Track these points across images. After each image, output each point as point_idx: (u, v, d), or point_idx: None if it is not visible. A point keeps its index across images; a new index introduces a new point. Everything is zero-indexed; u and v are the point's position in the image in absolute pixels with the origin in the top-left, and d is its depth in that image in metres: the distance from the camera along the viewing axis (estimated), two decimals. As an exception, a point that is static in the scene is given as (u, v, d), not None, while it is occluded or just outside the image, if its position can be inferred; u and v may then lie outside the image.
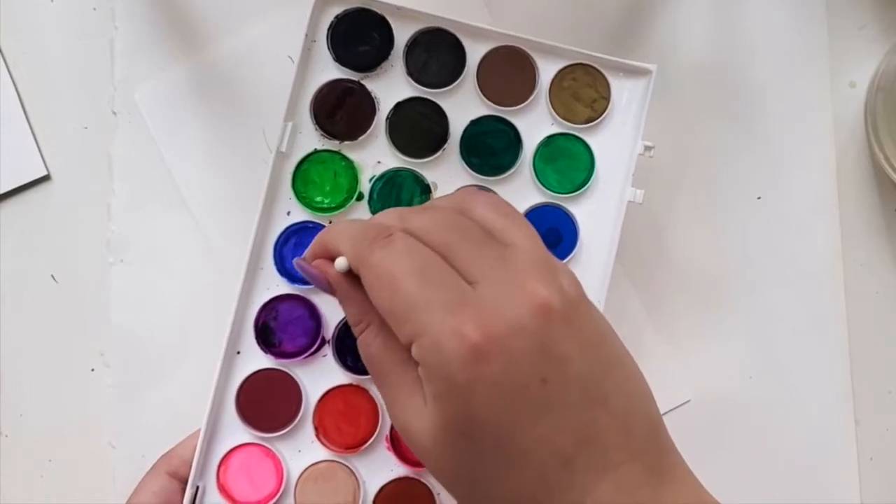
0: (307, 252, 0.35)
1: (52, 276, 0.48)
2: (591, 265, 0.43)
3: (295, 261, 0.35)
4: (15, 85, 0.48)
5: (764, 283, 0.49)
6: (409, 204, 0.43)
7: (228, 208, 0.48)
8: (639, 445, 0.30)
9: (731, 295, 0.49)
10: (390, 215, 0.33)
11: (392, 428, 0.42)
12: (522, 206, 0.43)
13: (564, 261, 0.43)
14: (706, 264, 0.49)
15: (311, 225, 0.43)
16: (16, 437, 0.48)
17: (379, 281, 0.31)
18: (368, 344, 0.33)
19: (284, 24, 0.48)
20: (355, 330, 0.34)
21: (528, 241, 0.32)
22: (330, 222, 0.43)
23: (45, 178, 0.49)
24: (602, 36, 0.49)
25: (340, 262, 0.33)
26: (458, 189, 0.36)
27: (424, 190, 0.43)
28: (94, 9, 0.49)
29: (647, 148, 0.43)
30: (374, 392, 0.42)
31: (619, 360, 0.31)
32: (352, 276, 0.33)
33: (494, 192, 0.42)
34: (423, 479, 0.42)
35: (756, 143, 0.49)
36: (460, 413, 0.29)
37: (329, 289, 0.34)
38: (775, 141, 0.49)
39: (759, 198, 0.49)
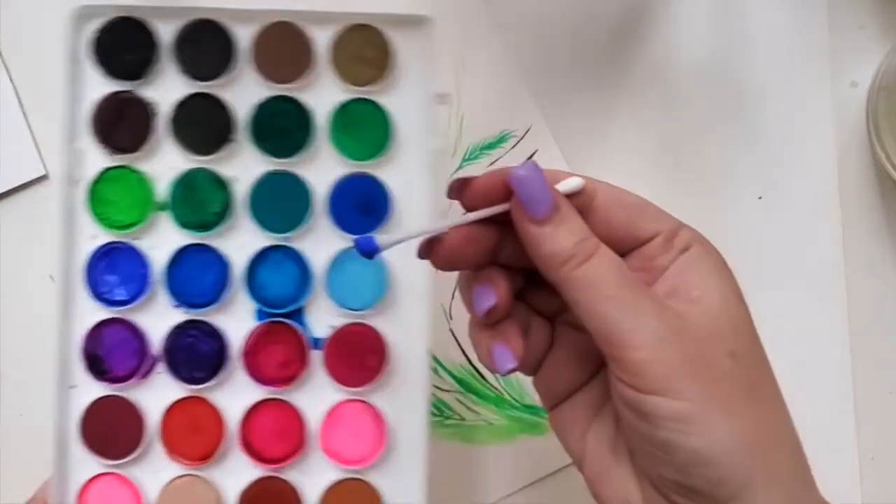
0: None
1: (51, 276, 0.47)
2: (413, 225, 0.42)
3: (522, 172, 0.31)
4: (14, 85, 0.49)
5: (764, 283, 0.48)
6: (211, 205, 0.42)
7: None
8: None
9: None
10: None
11: (243, 428, 0.41)
12: (328, 180, 0.42)
13: (383, 225, 0.42)
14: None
15: (119, 245, 0.42)
16: (16, 437, 0.48)
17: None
18: (602, 260, 0.31)
19: None
20: (583, 247, 0.31)
21: None
22: (135, 240, 0.42)
23: (44, 178, 0.49)
24: (601, 35, 0.49)
25: (576, 181, 0.32)
26: None
27: (223, 186, 0.42)
28: None
29: (441, 96, 0.41)
30: (215, 400, 0.42)
31: None
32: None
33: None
34: (281, 476, 0.41)
35: (756, 142, 0.49)
36: (734, 283, 0.33)
37: (549, 208, 0.31)
38: (776, 141, 0.49)
39: (759, 198, 0.49)
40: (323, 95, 0.42)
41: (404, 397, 0.42)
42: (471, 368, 0.49)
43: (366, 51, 0.42)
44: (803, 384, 0.46)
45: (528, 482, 0.48)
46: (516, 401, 0.48)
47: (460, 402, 0.48)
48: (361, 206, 0.42)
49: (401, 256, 0.41)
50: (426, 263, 0.37)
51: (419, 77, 0.42)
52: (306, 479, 0.42)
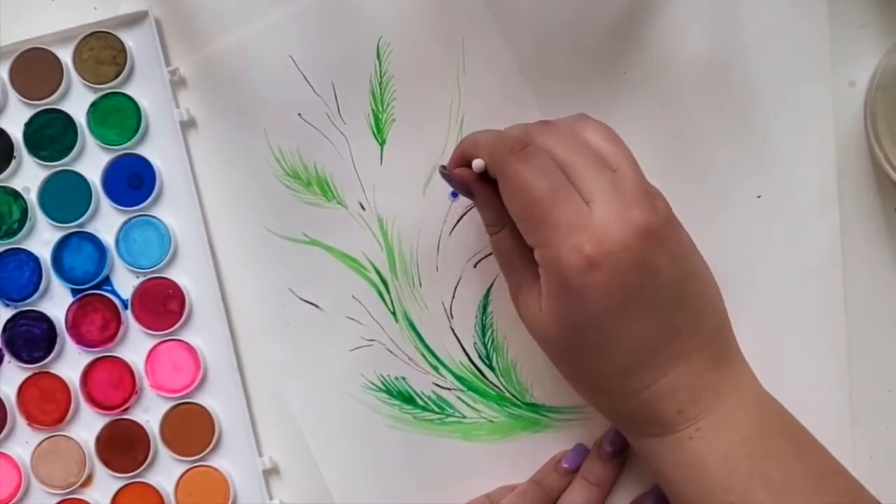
0: (449, 161, 0.43)
1: None
2: (178, 196, 0.50)
3: (439, 169, 0.43)
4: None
5: (763, 282, 0.48)
6: (12, 215, 0.50)
7: (229, 206, 0.50)
8: (708, 339, 0.39)
9: (731, 294, 0.45)
10: (516, 129, 0.41)
11: (84, 387, 0.49)
12: (97, 169, 0.50)
13: (154, 194, 0.49)
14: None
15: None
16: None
17: (515, 192, 0.39)
18: (502, 242, 0.41)
19: (284, 22, 0.49)
20: (490, 229, 0.42)
21: (632, 168, 0.39)
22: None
23: None
24: (602, 34, 0.49)
25: (478, 163, 0.40)
26: (569, 116, 0.42)
27: (18, 196, 0.50)
28: (95, 8, 0.50)
29: (172, 72, 0.49)
30: (56, 370, 0.49)
31: (698, 270, 0.40)
32: (488, 181, 0.40)
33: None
34: (126, 417, 0.49)
35: (756, 142, 0.49)
36: (572, 308, 0.38)
37: (470, 194, 0.42)
38: (775, 140, 0.49)
39: (758, 197, 0.49)
40: (77, 99, 0.50)
41: (208, 329, 0.50)
42: (472, 367, 0.49)
43: (105, 52, 0.50)
44: (801, 383, 0.46)
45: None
46: (517, 398, 0.49)
47: (461, 400, 0.49)
48: (131, 182, 0.50)
49: (176, 218, 0.49)
50: (200, 219, 0.48)
51: (153, 62, 0.50)
52: (146, 413, 0.50)
